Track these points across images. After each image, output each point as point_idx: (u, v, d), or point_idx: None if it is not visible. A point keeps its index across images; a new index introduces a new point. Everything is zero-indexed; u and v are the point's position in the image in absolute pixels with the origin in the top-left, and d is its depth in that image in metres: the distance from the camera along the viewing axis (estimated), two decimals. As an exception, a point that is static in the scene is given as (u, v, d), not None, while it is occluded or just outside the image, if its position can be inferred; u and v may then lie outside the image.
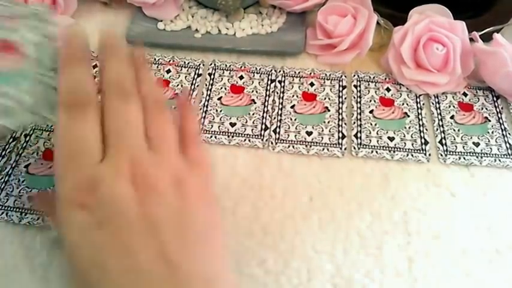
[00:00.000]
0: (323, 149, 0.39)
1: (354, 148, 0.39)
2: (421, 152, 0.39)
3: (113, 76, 0.26)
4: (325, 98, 0.42)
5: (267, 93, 0.43)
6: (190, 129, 0.29)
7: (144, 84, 0.27)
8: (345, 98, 0.42)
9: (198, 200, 0.25)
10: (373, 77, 0.44)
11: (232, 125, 0.40)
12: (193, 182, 0.26)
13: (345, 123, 0.40)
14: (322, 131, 0.40)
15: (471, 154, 0.39)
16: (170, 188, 0.24)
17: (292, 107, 0.42)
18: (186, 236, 0.23)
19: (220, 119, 0.41)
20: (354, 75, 0.44)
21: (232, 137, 0.40)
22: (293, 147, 0.39)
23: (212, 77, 0.44)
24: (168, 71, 0.44)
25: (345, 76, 0.44)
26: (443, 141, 0.39)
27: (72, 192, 0.22)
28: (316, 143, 0.39)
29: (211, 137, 0.39)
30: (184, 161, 0.26)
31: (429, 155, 0.39)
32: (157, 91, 0.28)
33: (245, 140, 0.39)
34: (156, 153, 0.25)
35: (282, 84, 0.43)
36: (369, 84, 0.44)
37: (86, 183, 0.22)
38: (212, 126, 0.40)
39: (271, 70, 0.44)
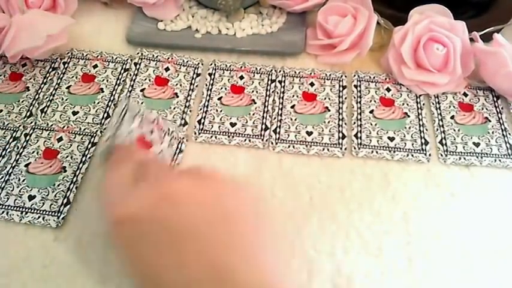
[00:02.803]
0: (323, 149, 0.39)
1: (354, 148, 0.39)
2: (421, 152, 0.39)
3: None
4: (325, 98, 0.42)
5: (267, 93, 0.43)
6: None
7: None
8: (345, 98, 0.42)
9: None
10: (374, 77, 0.44)
11: (233, 125, 0.40)
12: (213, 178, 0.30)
13: (345, 123, 0.40)
14: (323, 131, 0.40)
15: (471, 154, 0.39)
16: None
17: (293, 107, 0.42)
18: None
19: (221, 119, 0.41)
20: (354, 75, 0.44)
21: (233, 137, 0.40)
22: (293, 147, 0.39)
23: (212, 77, 0.44)
24: (167, 69, 0.44)
25: (345, 76, 0.44)
26: (444, 142, 0.40)
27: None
28: (317, 143, 0.39)
29: (211, 137, 0.39)
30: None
31: (429, 155, 0.39)
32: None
33: (245, 140, 0.39)
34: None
35: (282, 84, 0.43)
36: (369, 84, 0.44)
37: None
38: (212, 126, 0.40)
39: (272, 70, 0.44)
